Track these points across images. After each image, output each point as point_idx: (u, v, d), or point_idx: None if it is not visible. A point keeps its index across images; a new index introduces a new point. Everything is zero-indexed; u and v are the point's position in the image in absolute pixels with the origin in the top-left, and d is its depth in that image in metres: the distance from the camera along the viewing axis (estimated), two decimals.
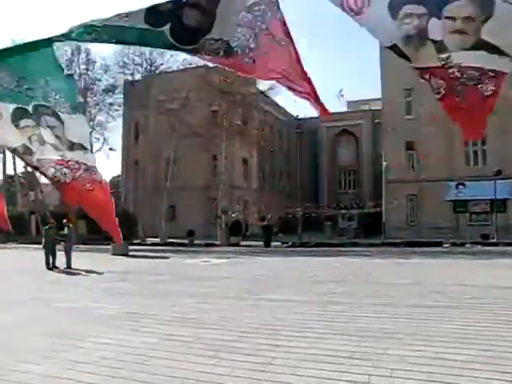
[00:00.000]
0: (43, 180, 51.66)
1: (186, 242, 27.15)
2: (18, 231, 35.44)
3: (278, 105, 45.01)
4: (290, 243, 24.76)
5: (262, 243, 24.69)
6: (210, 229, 32.86)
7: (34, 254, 16.18)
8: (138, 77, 32.50)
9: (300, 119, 54.26)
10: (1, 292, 9.95)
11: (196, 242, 27.00)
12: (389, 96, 31.40)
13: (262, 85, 30.26)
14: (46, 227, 15.33)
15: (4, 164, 40.01)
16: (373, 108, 47.30)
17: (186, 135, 30.09)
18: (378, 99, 38.38)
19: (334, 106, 48.36)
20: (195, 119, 30.13)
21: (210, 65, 29.54)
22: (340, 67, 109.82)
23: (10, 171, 41.85)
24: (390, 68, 29.57)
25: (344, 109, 53.43)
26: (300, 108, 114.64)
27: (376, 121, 39.44)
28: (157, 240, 29.17)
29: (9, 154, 39.40)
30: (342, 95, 52.93)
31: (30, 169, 37.75)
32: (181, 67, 31.22)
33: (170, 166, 31.24)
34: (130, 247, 21.96)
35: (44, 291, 9.84)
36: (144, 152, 34.69)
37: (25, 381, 4.24)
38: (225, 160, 29.37)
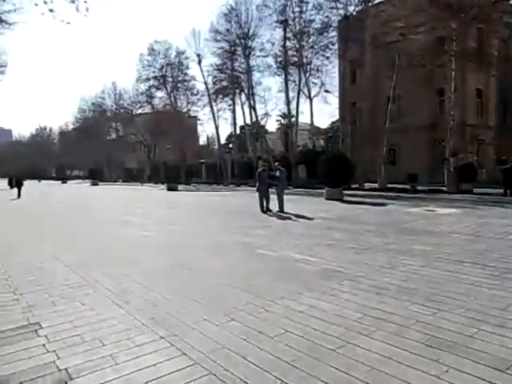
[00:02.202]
0: (269, 128, 55.63)
1: (407, 187, 25.22)
2: (247, 175, 39.23)
3: None
4: None
5: (501, 191, 20.34)
6: (436, 173, 29.33)
7: (255, 196, 16.67)
8: (351, 9, 30.04)
9: None
10: (210, 234, 10.20)
11: (419, 187, 24.72)
12: None
13: None
14: (260, 170, 15.20)
15: (234, 116, 44.13)
16: None
17: (407, 68, 26.67)
18: None
19: None
20: (417, 49, 26.24)
21: None
22: None
23: (240, 122, 46.11)
24: None
25: None
26: None
27: None
28: (375, 185, 27.71)
29: (238, 106, 43.24)
30: None
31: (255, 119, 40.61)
32: None
33: (390, 105, 28.55)
34: (346, 192, 21.17)
35: (251, 235, 9.66)
36: (361, 92, 32.81)
37: (196, 345, 3.64)
38: (454, 93, 24.86)
